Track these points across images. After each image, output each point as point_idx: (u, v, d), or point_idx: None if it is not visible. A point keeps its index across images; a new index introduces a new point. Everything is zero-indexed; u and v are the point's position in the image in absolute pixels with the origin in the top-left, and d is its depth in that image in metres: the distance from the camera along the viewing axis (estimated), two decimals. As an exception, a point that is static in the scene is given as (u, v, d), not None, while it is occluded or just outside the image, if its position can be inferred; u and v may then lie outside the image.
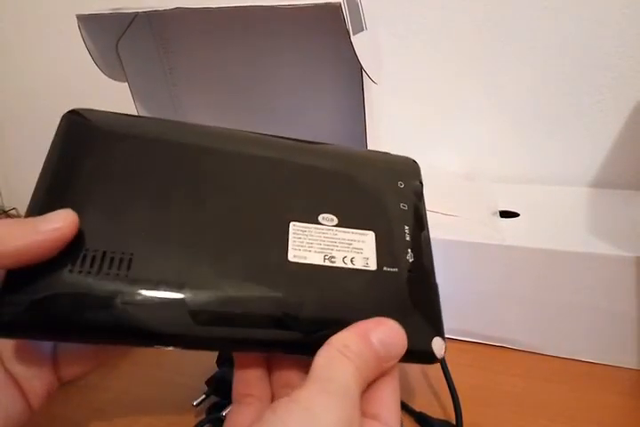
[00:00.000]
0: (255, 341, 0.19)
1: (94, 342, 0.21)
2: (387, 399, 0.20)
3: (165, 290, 0.18)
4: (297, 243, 0.20)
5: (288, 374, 0.22)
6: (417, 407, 0.32)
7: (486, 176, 0.48)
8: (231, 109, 0.48)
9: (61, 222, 0.18)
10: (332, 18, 0.30)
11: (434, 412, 0.32)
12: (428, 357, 0.20)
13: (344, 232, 0.21)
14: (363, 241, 0.21)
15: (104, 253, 0.18)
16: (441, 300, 0.36)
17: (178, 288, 0.18)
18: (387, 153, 0.27)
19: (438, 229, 0.37)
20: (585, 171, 0.48)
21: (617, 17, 0.42)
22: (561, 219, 0.38)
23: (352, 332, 0.18)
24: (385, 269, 0.21)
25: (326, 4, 0.30)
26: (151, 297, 0.18)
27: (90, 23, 0.37)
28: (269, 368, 0.23)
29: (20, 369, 0.21)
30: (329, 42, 0.41)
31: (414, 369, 0.36)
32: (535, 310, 0.36)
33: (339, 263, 0.20)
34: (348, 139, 0.46)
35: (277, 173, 0.22)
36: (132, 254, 0.18)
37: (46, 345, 0.23)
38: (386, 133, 0.52)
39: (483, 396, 0.34)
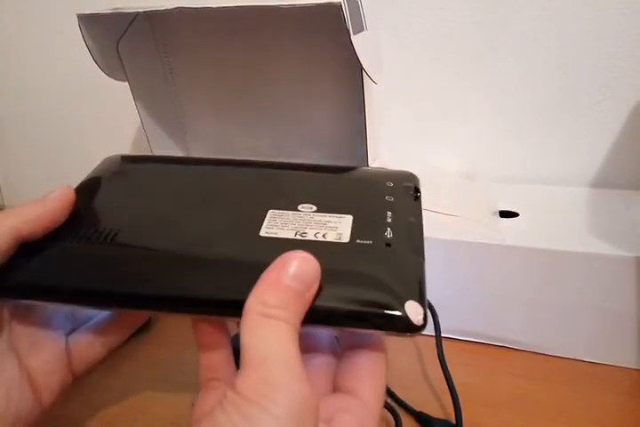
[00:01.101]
0: (219, 303, 0.19)
1: (88, 305, 0.22)
2: (365, 374, 0.19)
3: (146, 254, 0.21)
4: (271, 223, 0.22)
5: None
6: (417, 407, 0.32)
7: (486, 176, 0.48)
8: (231, 109, 0.48)
9: (59, 194, 0.23)
10: (333, 18, 0.30)
11: (434, 412, 0.32)
12: (403, 323, 0.18)
13: (321, 216, 0.22)
14: (339, 222, 0.22)
15: (96, 230, 0.22)
16: (441, 298, 0.36)
17: (158, 252, 0.21)
18: (384, 168, 0.28)
19: (438, 229, 0.37)
20: (585, 171, 0.48)
21: (617, 17, 0.42)
22: (561, 219, 0.38)
23: (263, 283, 0.17)
24: (358, 241, 0.21)
25: (327, 4, 0.30)
26: (131, 262, 0.21)
27: (90, 23, 0.37)
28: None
29: (38, 364, 0.22)
30: (329, 42, 0.41)
31: (414, 369, 0.36)
32: (535, 310, 0.36)
33: (310, 237, 0.21)
34: (348, 139, 0.46)
35: (265, 179, 0.26)
36: (118, 230, 0.22)
37: (61, 338, 0.24)
38: (386, 134, 0.52)
39: (483, 396, 0.34)
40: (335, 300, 0.19)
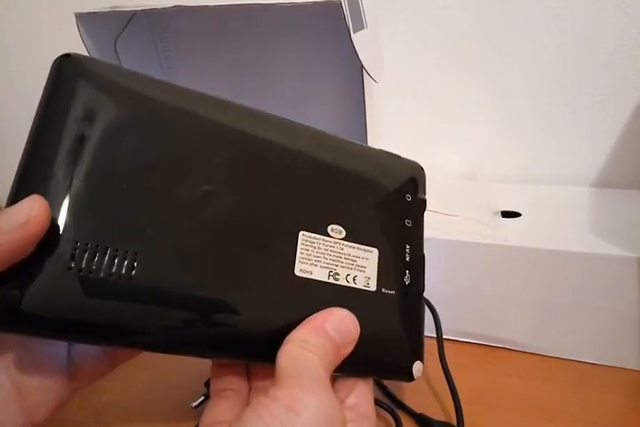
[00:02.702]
0: (253, 353, 0.19)
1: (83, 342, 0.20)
2: (361, 389, 0.21)
3: (170, 299, 0.17)
4: (304, 255, 0.20)
5: (266, 368, 0.21)
6: (417, 409, 0.32)
7: (487, 176, 0.48)
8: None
9: (25, 217, 0.15)
10: (333, 16, 0.30)
11: (434, 413, 0.32)
12: (407, 377, 0.22)
13: (350, 247, 0.21)
14: (367, 258, 0.22)
15: (102, 248, 0.16)
16: (441, 298, 0.36)
17: (185, 299, 0.18)
18: (398, 156, 0.26)
19: (438, 229, 0.37)
20: (587, 170, 0.47)
21: (618, 16, 0.42)
22: (562, 219, 0.38)
23: (308, 326, 0.19)
24: (383, 290, 0.22)
25: (327, 2, 0.29)
26: (156, 307, 0.17)
27: (88, 21, 0.36)
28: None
29: (33, 382, 0.20)
30: (329, 40, 0.40)
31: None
32: (536, 310, 0.36)
33: (342, 281, 0.21)
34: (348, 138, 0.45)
35: (294, 170, 0.21)
36: (135, 254, 0.17)
37: (61, 352, 0.21)
38: (386, 133, 0.51)
39: (483, 397, 0.33)
40: (361, 357, 0.20)
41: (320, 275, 0.20)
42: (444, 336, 0.35)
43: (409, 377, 0.22)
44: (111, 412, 0.34)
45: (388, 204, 0.23)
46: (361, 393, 0.20)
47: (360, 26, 0.33)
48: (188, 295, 0.18)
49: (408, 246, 0.23)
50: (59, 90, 0.17)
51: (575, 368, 0.35)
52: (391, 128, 0.51)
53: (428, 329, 0.36)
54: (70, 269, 0.16)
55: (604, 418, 0.31)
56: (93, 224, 0.16)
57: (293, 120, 0.23)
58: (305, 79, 0.44)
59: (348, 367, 0.20)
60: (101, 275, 0.16)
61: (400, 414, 0.32)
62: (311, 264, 0.20)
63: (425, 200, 0.25)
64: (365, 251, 0.22)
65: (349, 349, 0.19)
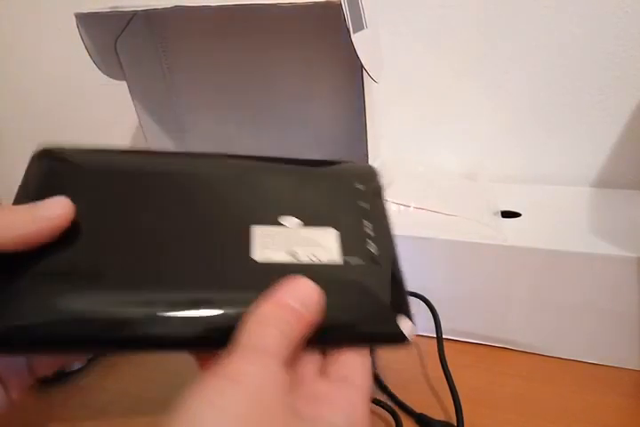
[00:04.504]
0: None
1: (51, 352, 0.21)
2: (352, 361, 0.19)
3: (134, 297, 0.19)
4: (263, 245, 0.21)
5: None
6: (417, 409, 0.32)
7: (486, 176, 0.48)
8: (230, 108, 0.48)
9: (60, 210, 0.18)
10: (333, 16, 0.30)
11: (435, 413, 0.32)
12: (396, 336, 0.21)
13: (306, 231, 0.22)
14: (324, 237, 0.22)
15: (75, 266, 0.19)
16: (442, 298, 0.36)
17: (146, 295, 0.19)
18: (348, 161, 0.28)
19: (438, 229, 0.37)
20: (586, 170, 0.47)
21: (618, 16, 0.41)
22: (562, 219, 0.38)
23: (264, 300, 0.18)
24: (351, 262, 0.22)
25: (327, 3, 0.29)
26: (120, 306, 0.18)
27: (88, 22, 0.36)
28: None
29: None
30: (329, 40, 0.40)
31: (414, 371, 0.36)
32: (536, 310, 0.36)
33: (304, 259, 0.21)
34: (348, 138, 0.45)
35: (235, 184, 0.24)
36: (99, 268, 0.19)
37: None
38: (386, 133, 0.51)
39: (484, 397, 0.33)
40: (339, 324, 0.20)
41: (281, 257, 0.21)
42: (444, 336, 0.35)
43: (399, 336, 0.20)
44: (112, 411, 0.34)
45: (336, 192, 0.25)
46: (346, 362, 0.19)
47: (360, 26, 0.33)
48: (151, 293, 0.19)
49: (368, 222, 0.24)
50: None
51: (575, 368, 0.35)
52: (391, 128, 0.51)
53: (428, 329, 0.36)
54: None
55: (605, 418, 0.31)
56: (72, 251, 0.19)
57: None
58: (305, 79, 0.44)
59: (330, 337, 0.20)
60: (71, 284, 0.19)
61: (400, 413, 0.32)
62: (271, 251, 0.21)
63: (380, 186, 0.26)
64: (321, 231, 0.22)
65: (316, 315, 0.19)
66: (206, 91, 0.48)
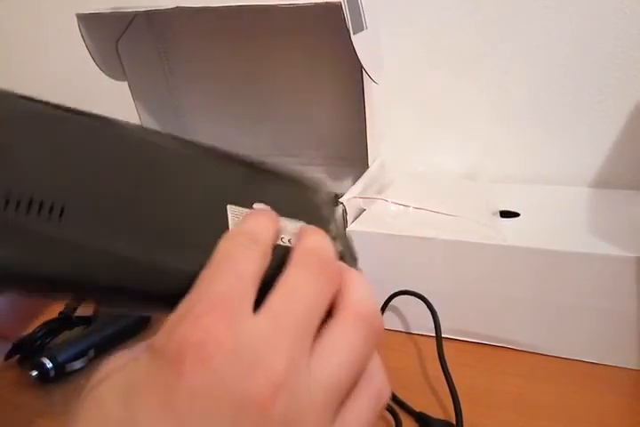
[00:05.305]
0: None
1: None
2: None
3: (95, 242, 0.17)
4: (234, 223, 0.21)
5: None
6: (417, 408, 0.32)
7: (486, 176, 0.48)
8: (231, 108, 0.48)
9: None
10: (333, 17, 0.30)
11: (434, 412, 0.32)
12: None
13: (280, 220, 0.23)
14: (295, 228, 0.22)
15: (33, 198, 0.17)
16: (441, 298, 0.36)
17: (110, 242, 0.18)
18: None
19: (438, 229, 0.37)
20: (585, 171, 0.48)
21: (618, 16, 0.42)
22: (561, 219, 0.38)
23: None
24: None
25: (327, 3, 0.30)
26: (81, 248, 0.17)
27: (89, 22, 0.36)
28: None
29: None
30: (329, 41, 0.40)
31: (414, 370, 0.36)
32: (536, 310, 0.36)
33: (278, 241, 0.21)
34: (348, 138, 0.46)
35: (213, 165, 0.23)
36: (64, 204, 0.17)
37: None
38: (386, 133, 0.52)
39: (483, 396, 0.33)
40: None
41: None
42: (443, 335, 0.35)
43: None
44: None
45: (308, 199, 0.25)
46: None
47: (360, 27, 0.33)
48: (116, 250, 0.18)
49: (334, 225, 0.25)
50: None
51: (574, 368, 0.35)
52: (391, 128, 0.51)
53: (428, 329, 0.36)
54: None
55: (605, 418, 0.31)
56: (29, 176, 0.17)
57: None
58: (305, 80, 0.44)
59: None
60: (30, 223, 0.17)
61: (400, 412, 0.32)
62: None
63: (334, 195, 0.27)
64: (294, 223, 0.23)
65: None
66: (207, 91, 0.48)
